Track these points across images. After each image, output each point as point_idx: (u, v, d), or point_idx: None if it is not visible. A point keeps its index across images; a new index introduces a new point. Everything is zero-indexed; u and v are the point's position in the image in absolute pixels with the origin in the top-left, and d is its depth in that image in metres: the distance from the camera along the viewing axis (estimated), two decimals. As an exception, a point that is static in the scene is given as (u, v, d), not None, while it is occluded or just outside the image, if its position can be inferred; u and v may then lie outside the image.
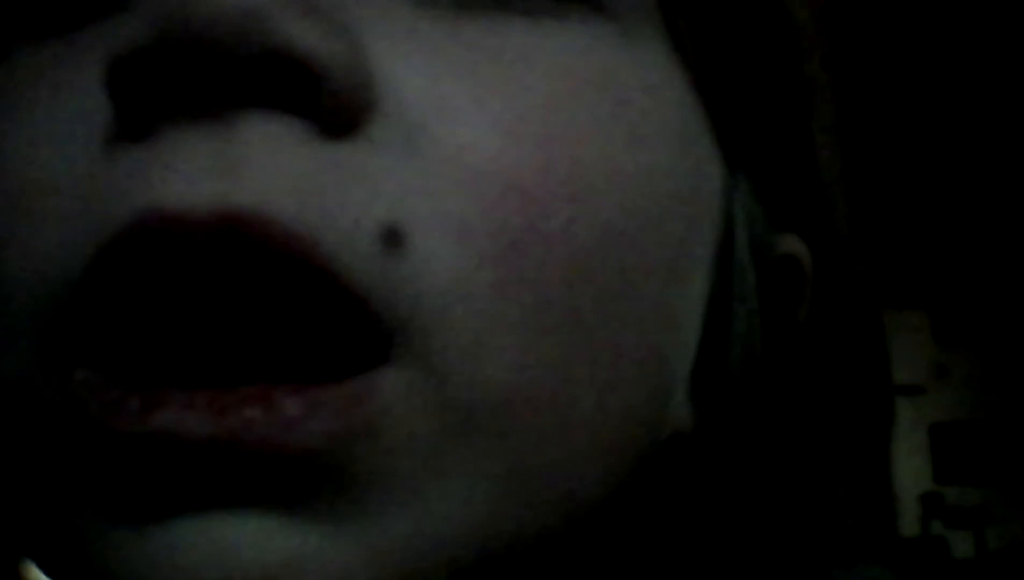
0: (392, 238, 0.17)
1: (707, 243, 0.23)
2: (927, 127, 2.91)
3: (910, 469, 4.37)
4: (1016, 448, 4.18)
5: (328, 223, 0.17)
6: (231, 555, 0.17)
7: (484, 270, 0.18)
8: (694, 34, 0.23)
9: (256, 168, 0.17)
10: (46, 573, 0.21)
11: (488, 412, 0.18)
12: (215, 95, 0.17)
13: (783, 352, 0.25)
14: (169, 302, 0.18)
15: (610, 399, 0.20)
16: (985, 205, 3.29)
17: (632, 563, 0.22)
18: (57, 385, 0.19)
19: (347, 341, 0.18)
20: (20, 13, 0.21)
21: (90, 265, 0.18)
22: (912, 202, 3.31)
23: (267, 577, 0.17)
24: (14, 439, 0.20)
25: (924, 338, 4.42)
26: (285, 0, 0.17)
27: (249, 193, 0.17)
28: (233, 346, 0.18)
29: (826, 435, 0.26)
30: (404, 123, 0.18)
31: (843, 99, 2.73)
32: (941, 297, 4.20)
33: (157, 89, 0.17)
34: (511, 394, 0.18)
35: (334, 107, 0.18)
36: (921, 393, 4.33)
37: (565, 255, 0.19)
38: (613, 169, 0.20)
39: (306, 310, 0.18)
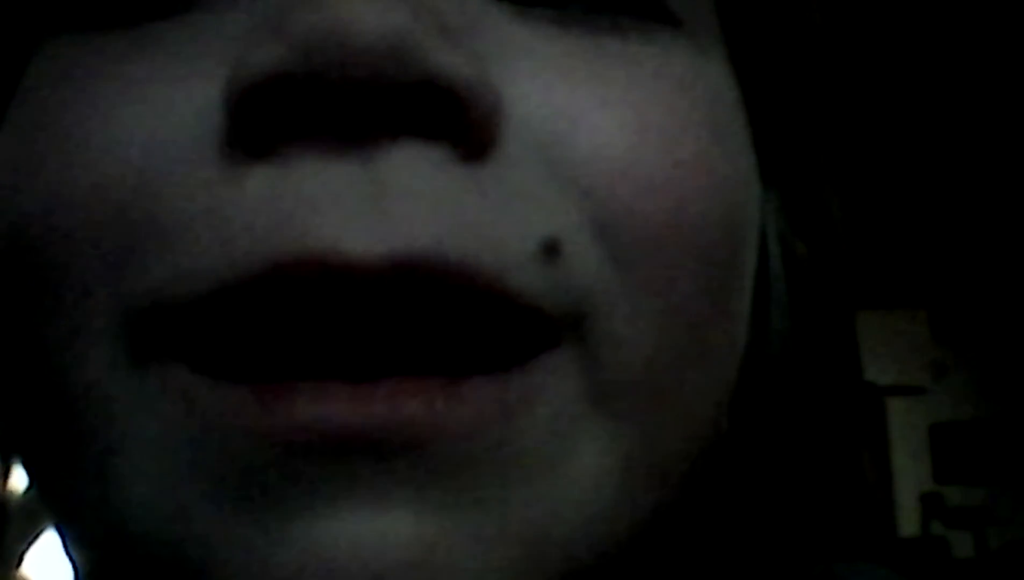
0: (551, 250, 0.18)
1: (754, 250, 0.23)
2: (927, 128, 2.91)
3: (910, 469, 4.38)
4: (1016, 448, 4.19)
5: (497, 252, 0.18)
6: (367, 549, 0.17)
7: (631, 265, 0.19)
8: (746, 52, 0.24)
9: (415, 205, 0.17)
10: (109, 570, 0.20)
11: (626, 393, 0.19)
12: (357, 122, 0.17)
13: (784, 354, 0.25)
14: (302, 322, 0.18)
15: (711, 389, 0.21)
16: (984, 205, 3.30)
17: (651, 559, 0.22)
18: (143, 385, 0.18)
19: (501, 336, 0.19)
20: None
21: (225, 288, 0.17)
22: (912, 202, 3.31)
23: (403, 570, 0.17)
24: (77, 440, 0.19)
25: (924, 338, 4.43)
26: (426, 24, 0.17)
27: (418, 235, 0.17)
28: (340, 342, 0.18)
29: (818, 436, 0.26)
30: (533, 135, 0.19)
31: (844, 101, 2.73)
32: (940, 296, 4.20)
33: (293, 113, 0.17)
34: (647, 376, 0.19)
35: (475, 131, 0.18)
36: (921, 393, 4.34)
37: (697, 250, 0.20)
38: (717, 169, 0.21)
39: (460, 317, 0.18)
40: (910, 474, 4.24)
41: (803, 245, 0.26)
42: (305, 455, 0.17)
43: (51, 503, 0.22)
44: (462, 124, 0.18)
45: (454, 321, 0.18)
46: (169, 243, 0.18)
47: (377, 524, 0.17)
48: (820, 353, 0.26)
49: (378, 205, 0.17)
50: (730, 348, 0.22)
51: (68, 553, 0.23)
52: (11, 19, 0.22)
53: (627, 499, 0.19)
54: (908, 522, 4.18)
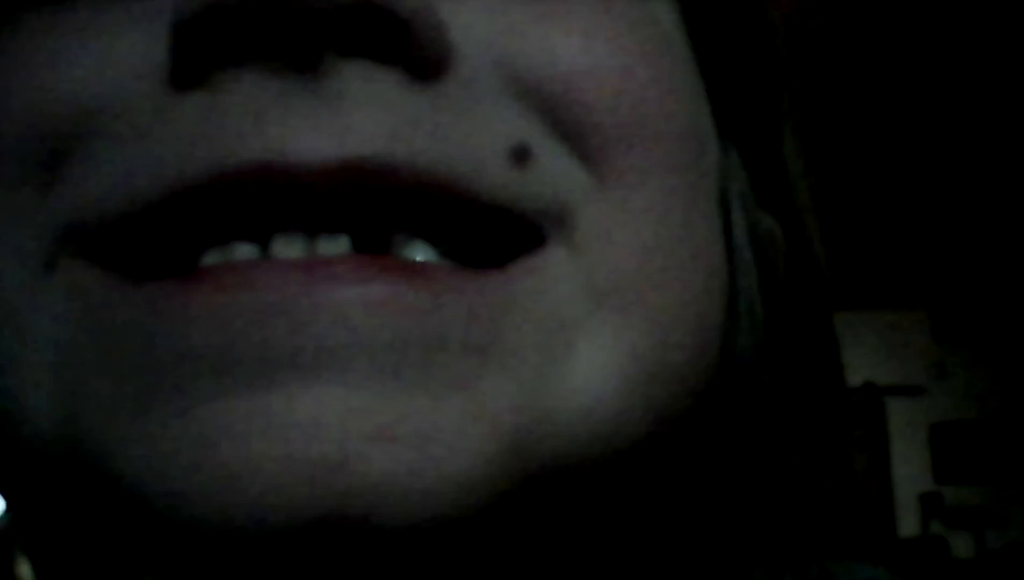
0: (521, 155, 0.19)
1: (713, 203, 0.23)
2: (927, 128, 2.91)
3: (910, 469, 4.38)
4: (1016, 448, 4.19)
5: (460, 157, 0.18)
6: (317, 425, 0.16)
7: (603, 163, 0.20)
8: (696, 9, 0.25)
9: (367, 112, 0.17)
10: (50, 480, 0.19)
11: (624, 290, 0.19)
12: (301, 47, 0.17)
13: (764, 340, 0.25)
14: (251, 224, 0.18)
15: (704, 294, 0.22)
16: (985, 205, 3.30)
17: (631, 549, 0.22)
18: (49, 287, 0.18)
19: (475, 242, 0.19)
20: None
21: (173, 196, 0.17)
22: (912, 202, 3.31)
23: (355, 449, 0.16)
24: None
25: (924, 338, 4.42)
26: None
27: (368, 140, 0.17)
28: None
29: (796, 429, 0.26)
30: (485, 56, 0.19)
31: (843, 101, 2.73)
32: (941, 297, 4.20)
33: (236, 41, 0.17)
34: (642, 273, 0.20)
35: (422, 53, 0.18)
36: (921, 393, 4.33)
37: (662, 145, 0.21)
38: (668, 72, 0.22)
39: (425, 228, 0.19)
40: (910, 474, 4.24)
41: (772, 220, 0.26)
42: (220, 341, 0.16)
43: None
44: (408, 46, 0.18)
45: (418, 232, 0.18)
46: (103, 160, 0.18)
47: (309, 401, 0.16)
48: (797, 343, 0.26)
49: (324, 113, 0.17)
50: (715, 255, 0.22)
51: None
52: None
53: (628, 402, 0.19)
54: (908, 522, 4.18)
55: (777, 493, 0.25)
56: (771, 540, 0.25)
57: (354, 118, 0.17)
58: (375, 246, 0.18)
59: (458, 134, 0.18)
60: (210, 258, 0.18)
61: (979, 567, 3.81)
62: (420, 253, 0.18)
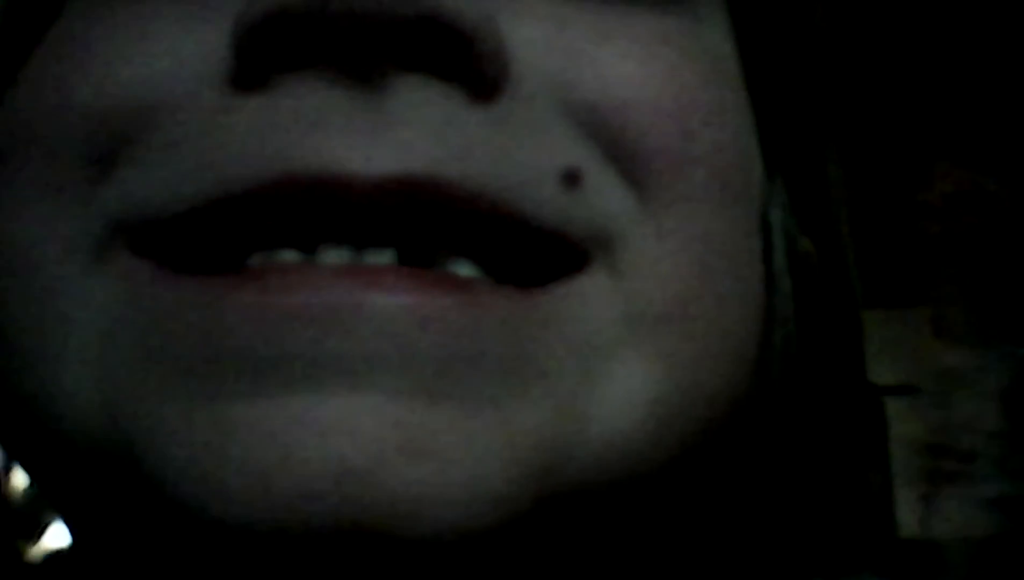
0: (571, 179, 0.19)
1: (756, 231, 0.23)
2: (927, 128, 2.91)
3: (910, 469, 4.36)
4: (1016, 448, 4.17)
5: (512, 178, 0.18)
6: (350, 432, 0.16)
7: (652, 192, 0.20)
8: (749, 35, 0.24)
9: (422, 129, 0.18)
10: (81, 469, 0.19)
11: (659, 316, 0.19)
12: (362, 56, 0.17)
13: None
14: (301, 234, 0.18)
15: (743, 328, 0.22)
16: (985, 205, 3.29)
17: (643, 547, 0.22)
18: (96, 277, 0.18)
19: (519, 263, 0.19)
20: None
21: (225, 199, 0.17)
22: (912, 202, 3.30)
23: (385, 459, 0.16)
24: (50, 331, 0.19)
25: (924, 338, 4.41)
26: None
27: (424, 158, 0.17)
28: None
29: (818, 437, 0.26)
30: (542, 76, 0.19)
31: (846, 96, 2.72)
32: (941, 296, 4.19)
33: (298, 48, 0.17)
34: (678, 301, 0.20)
35: (481, 71, 0.18)
36: (921, 393, 4.31)
37: (713, 176, 0.21)
38: (721, 102, 0.22)
39: (473, 248, 0.19)
40: (910, 474, 4.23)
41: (808, 242, 0.26)
42: (273, 332, 0.16)
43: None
44: (469, 62, 0.18)
45: (466, 251, 0.18)
46: (159, 158, 0.18)
47: (345, 407, 0.16)
48: (825, 354, 0.26)
49: (381, 128, 0.17)
50: (755, 286, 0.22)
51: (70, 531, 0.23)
52: None
53: (657, 431, 0.19)
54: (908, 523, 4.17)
55: (795, 506, 0.25)
56: (787, 552, 0.25)
57: (411, 134, 0.17)
58: (419, 260, 0.18)
59: (511, 155, 0.18)
60: (256, 260, 0.18)
61: (979, 567, 3.79)
62: (464, 269, 0.18)
